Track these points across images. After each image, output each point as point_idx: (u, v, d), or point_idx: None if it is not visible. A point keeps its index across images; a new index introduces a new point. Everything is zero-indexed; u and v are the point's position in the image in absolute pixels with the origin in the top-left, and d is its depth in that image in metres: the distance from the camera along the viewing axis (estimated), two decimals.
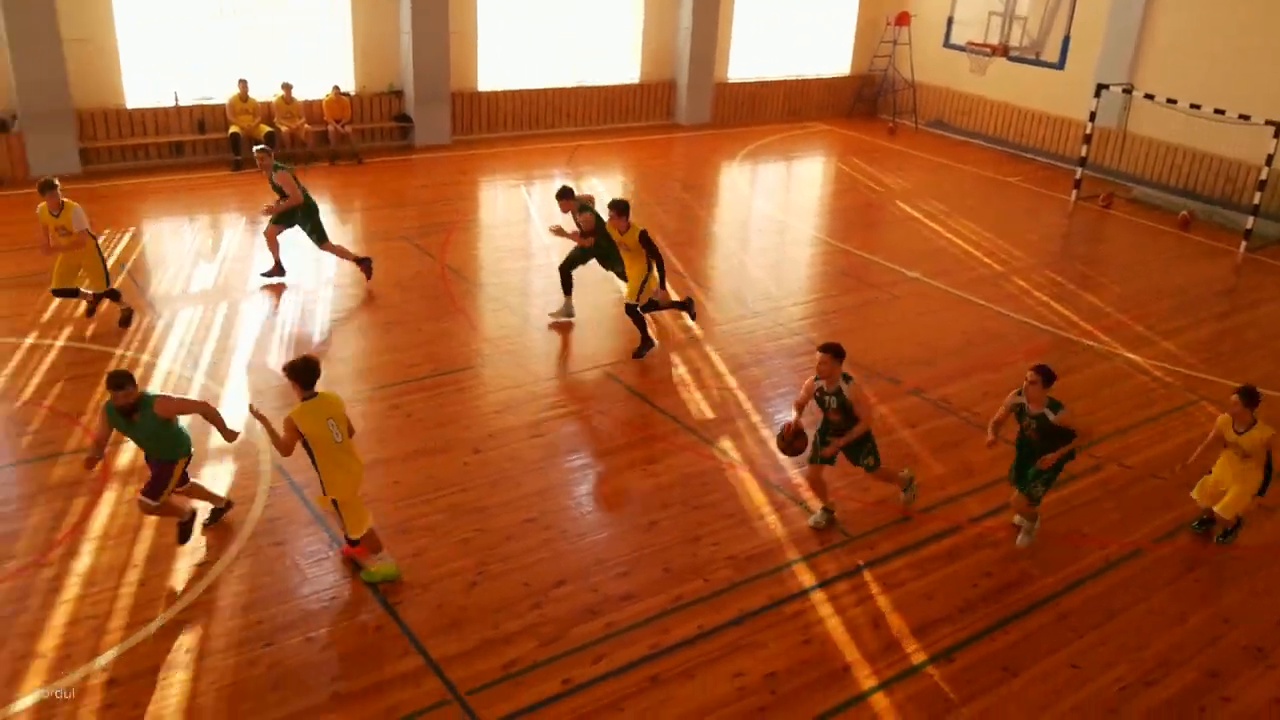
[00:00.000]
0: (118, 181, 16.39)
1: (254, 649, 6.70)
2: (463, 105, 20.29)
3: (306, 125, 18.20)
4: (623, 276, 11.55)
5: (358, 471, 7.26)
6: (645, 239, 10.78)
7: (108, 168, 16.97)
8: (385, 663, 6.64)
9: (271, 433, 7.10)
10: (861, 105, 25.45)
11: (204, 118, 17.74)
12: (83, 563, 7.38)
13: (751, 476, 9.02)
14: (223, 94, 17.77)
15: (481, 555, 7.75)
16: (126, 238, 13.98)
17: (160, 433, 7.25)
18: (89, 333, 11.06)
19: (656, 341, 11.40)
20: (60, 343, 10.82)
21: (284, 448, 7.07)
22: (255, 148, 12.84)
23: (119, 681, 6.36)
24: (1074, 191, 19.00)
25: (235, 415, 9.56)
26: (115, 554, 7.51)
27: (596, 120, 22.23)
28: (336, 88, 18.38)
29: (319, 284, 12.88)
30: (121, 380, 7.08)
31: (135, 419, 7.14)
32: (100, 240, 10.88)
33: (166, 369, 10.39)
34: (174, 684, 6.37)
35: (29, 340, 10.80)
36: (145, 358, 10.61)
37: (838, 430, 8.02)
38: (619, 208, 10.81)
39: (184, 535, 7.62)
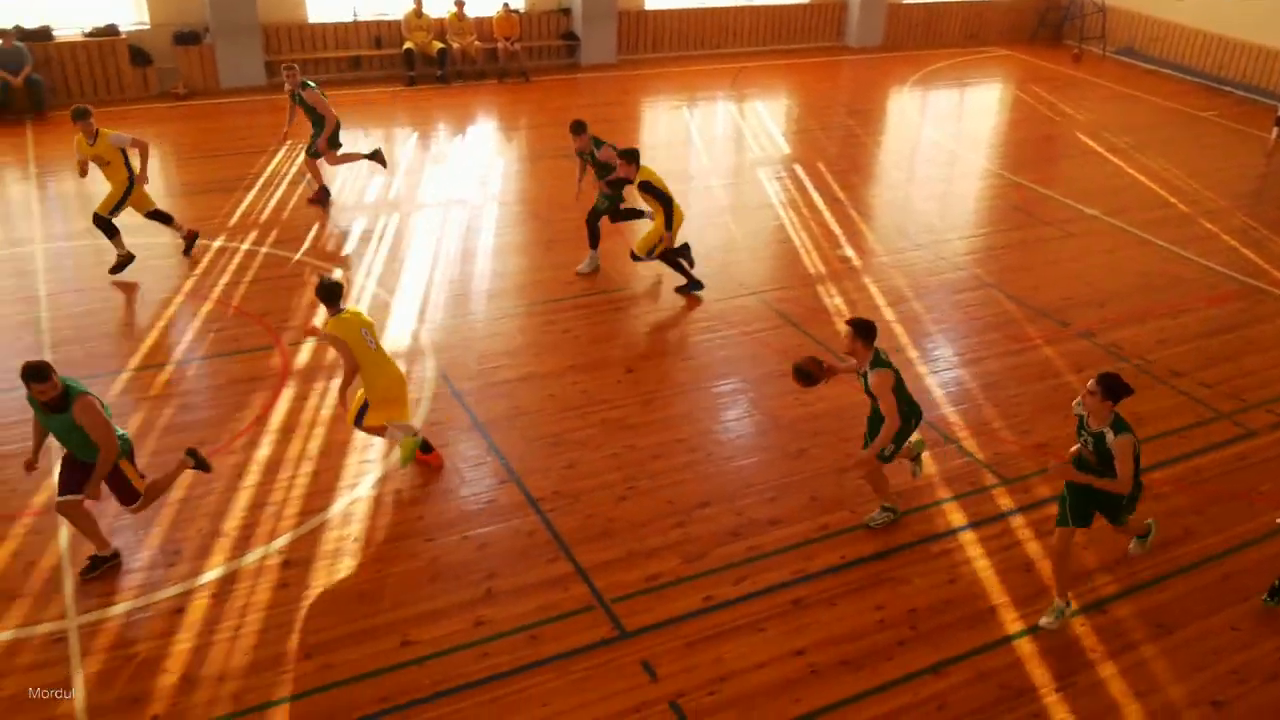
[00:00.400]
0: None
1: (415, 543, 7.09)
2: (629, 23, 20.18)
3: (477, 42, 18.49)
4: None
5: (399, 376, 7.60)
6: (646, 187, 10.45)
7: None
8: (536, 565, 6.93)
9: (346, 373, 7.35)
10: (1045, 30, 24.07)
11: (380, 33, 18.25)
12: (262, 452, 7.92)
13: None
14: (399, 10, 18.22)
15: (630, 471, 7.94)
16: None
17: (82, 435, 6.24)
18: (271, 238, 11.68)
19: (703, 285, 10.88)
20: (245, 246, 11.47)
21: (348, 368, 7.26)
22: (284, 66, 12.54)
23: (293, 563, 6.84)
24: (1275, 129, 17.54)
25: (400, 330, 9.97)
26: (292, 446, 8.02)
27: (763, 41, 21.77)
28: (506, 5, 18.57)
29: (485, 200, 13.21)
30: (40, 371, 5.98)
31: (56, 416, 6.18)
32: (136, 174, 10.52)
33: (340, 277, 10.90)
34: (342, 570, 6.82)
35: (217, 243, 11.49)
36: (321, 265, 11.16)
37: (878, 419, 7.09)
38: (626, 156, 10.58)
39: (94, 568, 6.62)
